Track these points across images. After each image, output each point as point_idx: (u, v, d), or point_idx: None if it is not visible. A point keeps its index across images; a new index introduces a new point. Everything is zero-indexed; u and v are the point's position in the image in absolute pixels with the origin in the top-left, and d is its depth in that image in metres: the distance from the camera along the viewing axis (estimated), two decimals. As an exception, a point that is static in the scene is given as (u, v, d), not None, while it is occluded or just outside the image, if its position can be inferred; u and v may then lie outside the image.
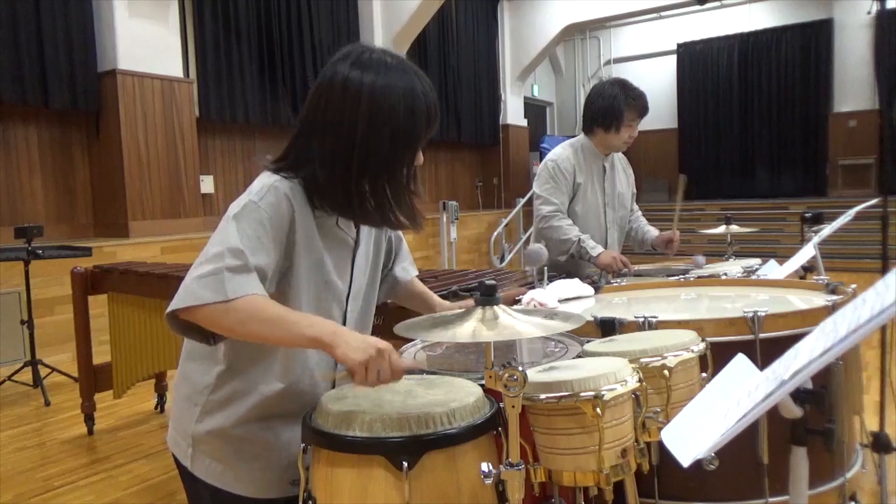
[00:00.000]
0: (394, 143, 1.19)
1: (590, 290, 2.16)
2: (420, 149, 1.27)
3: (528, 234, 9.39)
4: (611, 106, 2.62)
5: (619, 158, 2.89)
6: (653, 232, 2.96)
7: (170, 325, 1.16)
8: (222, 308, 1.09)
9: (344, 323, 1.34)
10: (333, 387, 1.32)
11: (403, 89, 1.19)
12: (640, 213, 3.04)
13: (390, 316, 1.77)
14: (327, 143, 1.20)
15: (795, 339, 0.85)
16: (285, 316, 1.11)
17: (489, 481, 1.03)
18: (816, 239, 2.33)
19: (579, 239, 2.62)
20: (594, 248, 2.61)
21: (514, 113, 11.05)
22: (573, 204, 2.73)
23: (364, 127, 1.17)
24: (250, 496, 1.28)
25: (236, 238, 1.13)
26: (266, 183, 1.21)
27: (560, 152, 2.75)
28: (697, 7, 9.20)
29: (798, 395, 1.02)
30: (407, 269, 1.63)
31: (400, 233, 1.56)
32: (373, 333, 1.36)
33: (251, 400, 1.26)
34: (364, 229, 1.38)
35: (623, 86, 2.65)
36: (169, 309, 1.12)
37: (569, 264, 2.71)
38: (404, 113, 1.19)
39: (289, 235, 1.20)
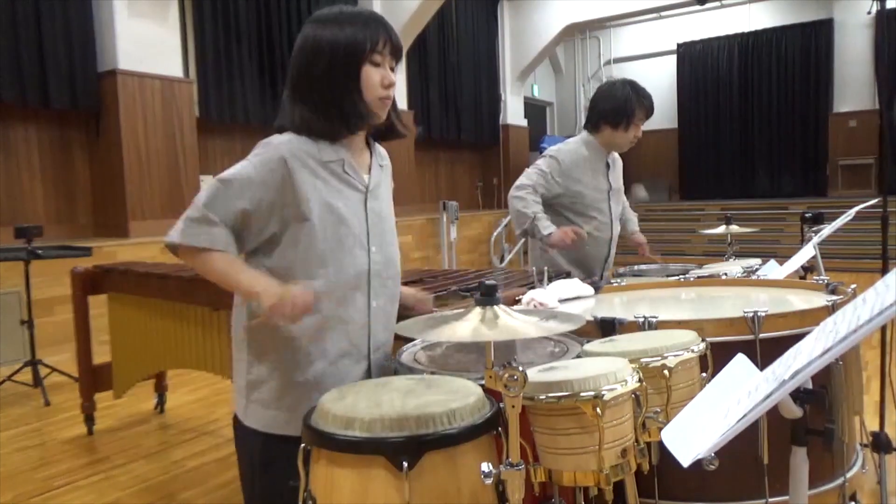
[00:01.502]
0: (333, 59, 1.40)
1: (590, 290, 2.16)
2: (380, 65, 1.42)
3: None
4: (623, 105, 2.67)
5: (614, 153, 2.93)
6: (633, 224, 3.07)
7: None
8: (186, 252, 1.37)
9: (369, 266, 1.47)
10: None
11: (331, 31, 1.40)
12: (626, 202, 3.10)
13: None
14: (296, 75, 1.44)
15: (795, 339, 0.85)
16: (229, 273, 1.36)
17: (489, 481, 1.03)
18: (816, 239, 2.33)
19: (535, 216, 2.67)
20: (546, 228, 2.65)
21: (514, 113, 11.05)
22: (581, 197, 2.75)
23: (311, 56, 1.41)
24: (297, 434, 1.32)
25: (205, 195, 1.37)
26: (264, 142, 1.41)
27: (564, 146, 2.79)
28: (697, 7, 9.20)
29: (798, 395, 1.03)
30: None
31: None
32: None
33: (281, 339, 1.42)
34: (377, 179, 1.52)
35: (633, 86, 2.71)
36: (165, 241, 1.39)
37: (569, 265, 2.72)
38: (332, 43, 1.39)
39: (286, 180, 1.37)
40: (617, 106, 2.68)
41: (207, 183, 1.42)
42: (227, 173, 1.38)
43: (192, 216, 1.36)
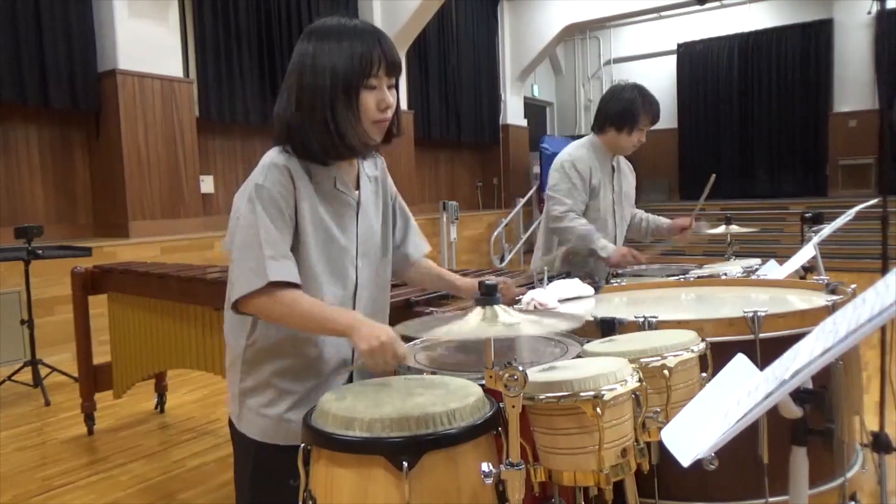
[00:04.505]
0: (333, 87, 1.36)
1: (590, 290, 2.16)
2: (376, 87, 1.38)
3: (528, 232, 9.40)
4: (629, 109, 2.67)
5: (623, 159, 2.92)
6: (665, 220, 3.05)
7: (236, 314, 1.37)
8: (268, 297, 1.30)
9: (356, 280, 1.47)
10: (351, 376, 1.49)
11: (330, 51, 1.37)
12: (640, 210, 3.08)
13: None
14: (295, 97, 1.39)
15: (795, 339, 0.85)
16: (315, 312, 1.31)
17: (489, 481, 1.03)
18: (816, 239, 2.33)
19: (593, 234, 2.63)
20: (604, 249, 2.62)
21: (514, 113, 11.05)
22: (592, 200, 2.74)
23: (311, 79, 1.37)
24: (289, 444, 1.33)
25: (268, 225, 1.33)
26: (265, 163, 1.39)
27: (575, 152, 2.77)
28: (697, 7, 9.20)
29: (798, 395, 1.02)
30: (419, 245, 1.72)
31: (407, 210, 1.70)
32: None
33: (279, 356, 1.42)
34: (366, 193, 1.51)
35: (641, 91, 2.70)
36: (231, 299, 1.33)
37: (570, 264, 2.72)
38: (331, 69, 1.36)
39: (295, 203, 1.37)
40: (623, 108, 2.67)
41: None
42: (261, 206, 1.33)
43: (269, 254, 1.30)
